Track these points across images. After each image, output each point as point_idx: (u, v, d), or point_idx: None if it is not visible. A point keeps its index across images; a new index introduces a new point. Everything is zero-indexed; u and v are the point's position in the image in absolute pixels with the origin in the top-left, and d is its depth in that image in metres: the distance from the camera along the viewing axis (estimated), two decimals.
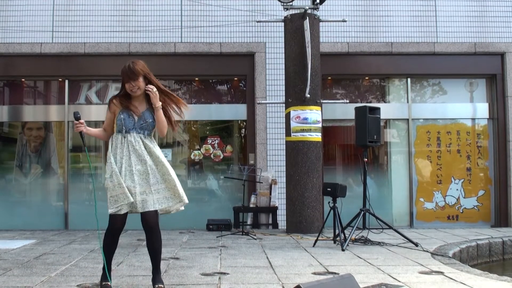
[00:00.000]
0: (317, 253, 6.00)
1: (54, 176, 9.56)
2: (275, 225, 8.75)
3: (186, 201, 4.07)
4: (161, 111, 3.98)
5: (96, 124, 9.64)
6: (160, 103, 3.98)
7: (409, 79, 9.79)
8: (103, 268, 4.07)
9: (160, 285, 3.95)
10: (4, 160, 9.65)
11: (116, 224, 3.95)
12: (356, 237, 6.81)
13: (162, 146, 9.54)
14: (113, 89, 9.61)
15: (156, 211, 3.97)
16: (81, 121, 3.95)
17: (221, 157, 9.63)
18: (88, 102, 9.61)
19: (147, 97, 4.03)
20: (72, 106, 9.47)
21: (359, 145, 7.09)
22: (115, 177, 3.87)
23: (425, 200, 9.68)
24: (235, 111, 9.71)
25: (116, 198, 3.88)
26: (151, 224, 3.95)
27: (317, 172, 8.05)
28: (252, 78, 9.47)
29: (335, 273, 4.81)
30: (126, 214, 3.94)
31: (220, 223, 8.44)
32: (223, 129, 9.90)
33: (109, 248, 4.07)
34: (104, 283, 4.05)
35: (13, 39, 9.25)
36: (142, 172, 3.93)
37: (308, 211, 7.92)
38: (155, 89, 3.95)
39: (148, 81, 4.00)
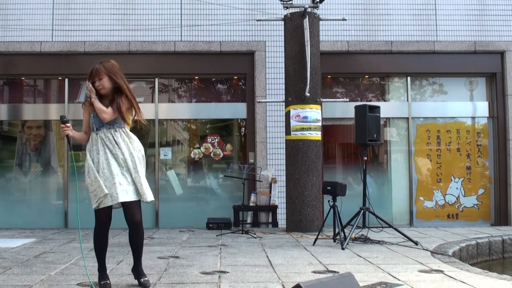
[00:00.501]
0: (317, 252, 6.00)
1: (54, 175, 9.57)
2: (275, 223, 8.76)
3: (148, 199, 4.06)
4: (96, 104, 4.07)
5: None
6: (95, 98, 4.09)
7: (409, 78, 9.79)
8: (99, 268, 4.14)
9: (145, 278, 4.14)
10: (4, 158, 9.65)
11: (101, 219, 4.06)
12: (356, 236, 6.81)
13: (162, 144, 9.55)
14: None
15: (137, 202, 4.05)
16: (68, 124, 4.05)
17: (221, 155, 9.63)
18: None
19: (117, 95, 4.15)
20: (72, 104, 9.47)
21: (359, 144, 7.08)
22: (91, 173, 4.01)
23: (425, 199, 9.69)
24: (235, 110, 9.71)
25: (95, 193, 4.01)
26: (135, 220, 4.04)
27: (317, 170, 8.05)
28: (252, 76, 9.47)
29: (335, 271, 4.81)
30: (110, 208, 4.04)
31: (220, 222, 8.44)
32: (223, 127, 9.90)
33: (100, 245, 4.14)
34: (103, 282, 4.07)
35: (13, 38, 9.24)
36: (118, 165, 4.03)
37: (308, 209, 7.93)
38: (90, 86, 4.14)
39: (114, 81, 4.16)
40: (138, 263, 4.20)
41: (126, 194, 3.97)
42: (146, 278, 4.15)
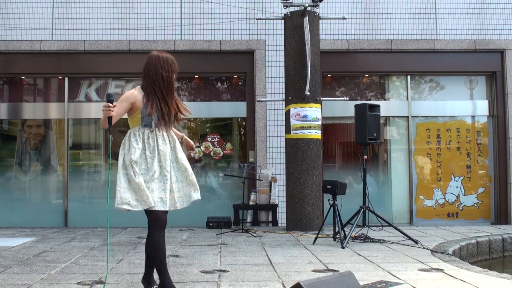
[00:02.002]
0: (317, 251, 6.00)
1: (54, 174, 9.57)
2: (275, 222, 8.76)
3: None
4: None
5: (96, 121, 9.66)
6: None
7: (409, 77, 9.79)
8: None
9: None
10: (4, 157, 9.65)
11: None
12: (356, 235, 6.81)
13: None
14: (113, 87, 9.61)
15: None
16: (115, 103, 3.63)
17: (221, 154, 9.63)
18: (88, 99, 9.61)
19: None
20: (72, 103, 9.47)
21: (359, 143, 7.08)
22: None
23: (425, 198, 9.69)
24: (235, 109, 9.71)
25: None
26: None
27: (317, 169, 8.05)
28: (252, 75, 9.47)
29: (335, 270, 4.81)
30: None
31: (220, 221, 8.44)
32: (222, 126, 9.90)
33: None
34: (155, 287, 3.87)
35: (13, 37, 9.24)
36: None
37: (308, 208, 7.93)
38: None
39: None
40: (152, 272, 3.94)
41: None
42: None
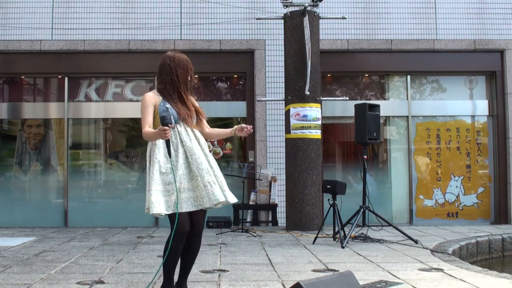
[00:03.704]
0: (317, 250, 6.00)
1: (54, 174, 9.56)
2: (274, 222, 8.76)
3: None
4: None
5: (95, 121, 9.66)
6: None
7: (408, 76, 9.79)
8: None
9: None
10: (3, 157, 9.64)
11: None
12: (355, 234, 6.81)
13: None
14: (113, 86, 9.60)
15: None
16: (172, 125, 3.56)
17: (221, 154, 9.63)
18: (88, 99, 9.60)
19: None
20: (72, 103, 9.47)
21: (359, 143, 7.08)
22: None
23: (425, 197, 9.69)
24: (234, 109, 9.70)
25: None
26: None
27: (316, 169, 8.05)
28: (251, 75, 9.46)
29: (334, 270, 4.81)
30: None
31: (219, 221, 8.44)
32: (222, 126, 9.81)
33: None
34: None
35: (13, 36, 9.24)
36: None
37: (308, 208, 7.93)
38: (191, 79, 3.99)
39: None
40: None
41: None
42: None
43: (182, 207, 3.54)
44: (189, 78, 3.87)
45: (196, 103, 3.94)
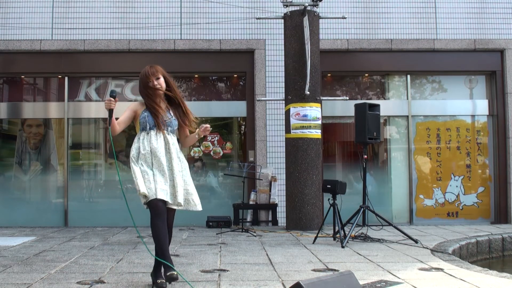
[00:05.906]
0: (317, 250, 6.00)
1: (54, 173, 9.57)
2: (274, 222, 8.76)
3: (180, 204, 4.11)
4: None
5: (95, 121, 9.66)
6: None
7: (408, 76, 9.79)
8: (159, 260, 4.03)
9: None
10: (3, 157, 9.65)
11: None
12: (355, 234, 6.81)
13: None
14: (113, 86, 9.60)
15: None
16: (117, 99, 4.08)
17: (221, 154, 9.63)
18: (88, 99, 9.60)
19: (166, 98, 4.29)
20: (72, 103, 9.47)
21: (359, 142, 7.08)
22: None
23: (425, 197, 9.69)
24: (234, 108, 9.71)
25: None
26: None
27: (316, 169, 8.05)
28: (251, 75, 9.47)
29: (335, 270, 4.81)
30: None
31: (220, 220, 8.44)
32: (222, 126, 9.90)
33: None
34: (160, 281, 4.01)
35: (13, 36, 9.24)
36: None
37: (308, 208, 7.93)
38: (158, 86, 4.19)
39: (167, 83, 4.24)
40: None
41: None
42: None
43: (157, 192, 3.97)
44: (150, 84, 4.16)
45: (186, 108, 4.39)
